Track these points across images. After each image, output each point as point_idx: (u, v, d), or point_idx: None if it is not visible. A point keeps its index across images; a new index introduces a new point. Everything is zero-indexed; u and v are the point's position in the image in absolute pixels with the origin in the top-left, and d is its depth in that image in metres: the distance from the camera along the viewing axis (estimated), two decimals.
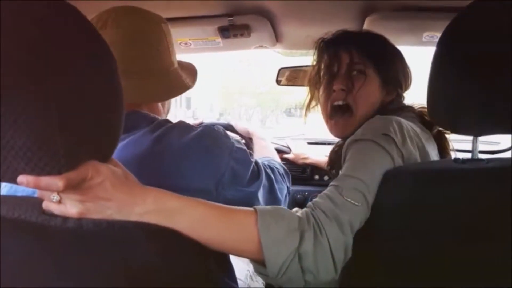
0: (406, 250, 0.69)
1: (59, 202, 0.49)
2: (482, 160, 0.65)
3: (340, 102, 0.96)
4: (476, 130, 0.64)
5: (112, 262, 0.44)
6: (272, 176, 0.95)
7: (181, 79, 0.86)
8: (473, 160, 0.66)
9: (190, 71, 0.93)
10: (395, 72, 0.97)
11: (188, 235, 0.55)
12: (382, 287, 0.72)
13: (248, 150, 0.88)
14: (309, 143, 1.93)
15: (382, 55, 0.97)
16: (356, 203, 0.67)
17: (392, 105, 0.96)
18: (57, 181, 0.44)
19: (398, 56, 1.01)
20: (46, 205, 0.49)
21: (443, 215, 0.64)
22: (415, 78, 1.03)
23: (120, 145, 0.71)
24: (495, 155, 1.41)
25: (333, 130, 1.02)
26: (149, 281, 0.44)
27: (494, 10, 0.59)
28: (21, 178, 0.43)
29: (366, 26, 1.18)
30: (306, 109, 1.09)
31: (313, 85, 1.06)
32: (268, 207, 0.66)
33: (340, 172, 0.74)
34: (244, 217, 0.62)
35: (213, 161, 0.78)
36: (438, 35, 1.15)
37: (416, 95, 1.02)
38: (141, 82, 0.79)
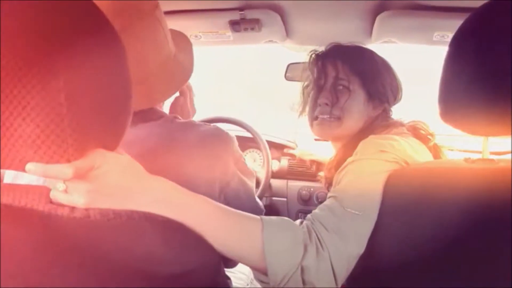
0: (413, 249, 0.69)
1: (65, 191, 0.49)
2: (492, 160, 0.66)
3: (325, 116, 0.97)
4: (487, 130, 0.64)
5: (117, 252, 0.44)
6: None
7: (181, 67, 0.79)
8: (483, 160, 0.66)
9: (186, 50, 0.84)
10: (381, 87, 0.98)
11: (194, 229, 0.55)
12: (385, 287, 0.73)
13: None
14: (316, 139, 1.93)
15: (368, 70, 0.98)
16: (357, 212, 0.67)
17: (381, 120, 0.97)
18: (66, 169, 0.44)
19: (386, 70, 1.01)
20: (53, 195, 0.49)
21: (452, 215, 0.65)
22: None
23: (127, 138, 0.70)
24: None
25: (316, 130, 1.02)
26: (152, 273, 0.44)
27: (508, 10, 0.58)
28: (29, 165, 0.43)
29: (377, 24, 1.18)
30: (300, 114, 1.11)
31: (305, 96, 1.08)
32: (274, 217, 0.65)
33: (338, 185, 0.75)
34: (250, 223, 0.62)
35: (219, 168, 0.75)
36: (449, 34, 1.16)
37: None
38: (141, 88, 0.69)
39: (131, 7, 0.68)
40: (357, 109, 0.96)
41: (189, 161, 0.72)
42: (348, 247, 0.65)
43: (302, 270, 0.61)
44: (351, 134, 0.96)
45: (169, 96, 0.82)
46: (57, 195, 0.49)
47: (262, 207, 0.98)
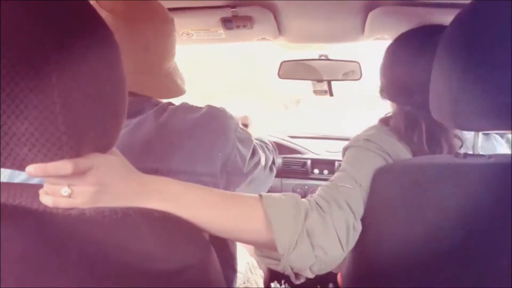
0: (405, 247, 0.69)
1: (70, 196, 0.48)
2: (483, 155, 0.66)
3: None
4: (477, 126, 0.65)
5: (113, 249, 0.44)
6: (265, 153, 0.98)
7: (176, 83, 0.85)
8: (475, 155, 0.66)
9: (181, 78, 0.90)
10: None
11: (192, 217, 0.55)
12: (382, 286, 0.73)
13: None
14: (292, 137, 1.95)
15: None
16: (349, 186, 0.71)
17: None
18: (65, 165, 0.44)
19: None
20: (55, 202, 0.49)
21: (443, 209, 0.65)
22: None
23: (125, 130, 0.72)
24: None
25: None
26: (148, 269, 0.44)
27: (497, 7, 0.59)
28: (29, 168, 0.43)
29: (369, 21, 1.18)
30: None
31: None
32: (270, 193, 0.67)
33: None
34: (248, 198, 0.64)
35: (219, 143, 0.77)
36: None
37: None
38: (145, 78, 0.78)
39: (148, 16, 0.77)
40: None
41: (188, 145, 0.74)
42: (345, 213, 0.68)
43: (308, 233, 0.62)
44: None
45: (161, 97, 0.85)
46: (59, 202, 0.49)
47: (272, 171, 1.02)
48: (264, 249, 0.69)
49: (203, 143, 0.75)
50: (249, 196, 0.64)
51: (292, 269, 0.65)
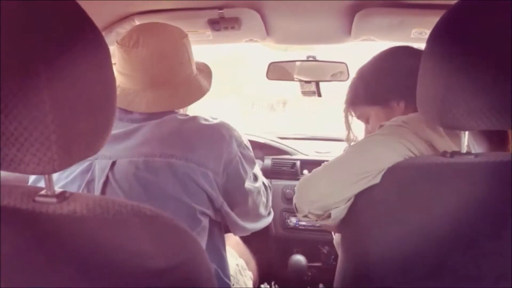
0: (395, 244, 0.69)
1: None
2: (470, 154, 0.67)
3: None
4: (463, 124, 0.65)
5: (105, 248, 0.44)
6: (265, 192, 1.12)
7: (199, 84, 1.00)
8: (461, 154, 0.67)
9: (206, 73, 1.06)
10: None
11: None
12: (379, 286, 0.73)
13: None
14: (281, 138, 1.95)
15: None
16: None
17: None
18: None
19: None
20: None
21: (431, 209, 0.65)
22: None
23: (154, 123, 0.90)
24: None
25: None
26: (139, 267, 0.44)
27: (481, 8, 0.60)
28: None
29: (355, 22, 1.19)
30: None
31: None
32: None
33: None
34: None
35: (225, 147, 0.91)
36: (426, 31, 1.17)
37: None
38: (166, 93, 0.93)
39: (168, 30, 0.95)
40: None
41: (199, 142, 0.89)
42: None
43: None
44: None
45: (185, 106, 1.01)
46: None
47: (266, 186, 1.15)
48: None
49: (211, 143, 0.90)
50: None
51: None
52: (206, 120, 0.94)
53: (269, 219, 1.15)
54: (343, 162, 0.81)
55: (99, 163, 0.88)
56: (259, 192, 1.05)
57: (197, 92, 0.99)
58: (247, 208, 1.01)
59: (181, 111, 1.02)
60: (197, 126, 0.91)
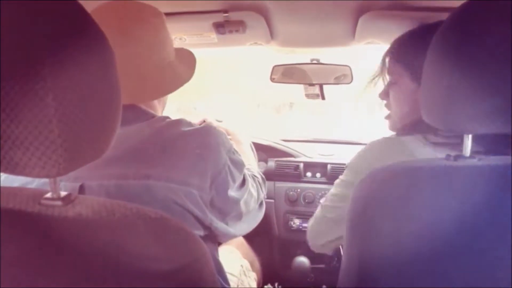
0: (401, 247, 0.69)
1: None
2: (473, 157, 0.67)
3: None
4: (467, 128, 0.65)
5: (110, 251, 0.44)
6: (254, 184, 1.00)
7: (174, 72, 0.86)
8: (465, 157, 0.67)
9: (189, 62, 0.93)
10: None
11: None
12: (377, 286, 0.73)
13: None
14: (285, 140, 1.96)
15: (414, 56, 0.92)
16: None
17: None
18: None
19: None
20: None
21: (434, 212, 0.65)
22: None
23: (122, 134, 0.71)
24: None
25: None
26: (145, 269, 0.44)
27: (486, 11, 0.60)
28: None
29: (360, 25, 1.19)
30: None
31: None
32: None
33: None
34: None
35: (212, 158, 0.79)
36: None
37: None
38: (130, 81, 0.77)
39: (132, 13, 0.80)
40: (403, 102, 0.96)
41: (181, 155, 0.76)
42: None
43: None
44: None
45: (157, 97, 0.86)
46: None
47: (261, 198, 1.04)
48: None
49: (196, 155, 0.77)
50: None
51: None
52: (189, 125, 0.80)
53: (260, 214, 1.05)
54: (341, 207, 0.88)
55: (65, 186, 0.72)
56: (249, 192, 0.96)
57: (172, 80, 0.84)
58: (240, 211, 0.92)
59: (157, 106, 0.90)
60: (178, 133, 0.77)
